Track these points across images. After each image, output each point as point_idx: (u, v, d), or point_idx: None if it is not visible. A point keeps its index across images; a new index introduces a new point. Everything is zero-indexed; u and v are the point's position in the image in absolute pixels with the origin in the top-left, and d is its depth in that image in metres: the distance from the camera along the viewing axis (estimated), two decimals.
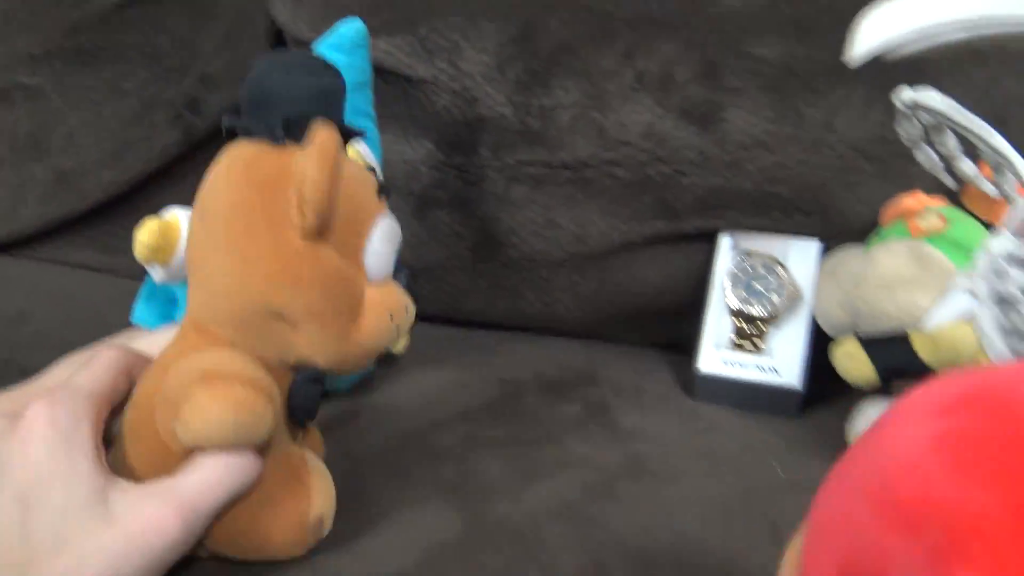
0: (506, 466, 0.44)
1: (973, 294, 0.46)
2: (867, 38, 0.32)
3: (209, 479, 0.29)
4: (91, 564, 0.26)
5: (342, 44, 0.52)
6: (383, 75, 0.63)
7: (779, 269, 0.57)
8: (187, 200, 0.76)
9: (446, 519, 0.39)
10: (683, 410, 0.54)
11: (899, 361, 0.46)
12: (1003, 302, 0.36)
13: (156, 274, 0.48)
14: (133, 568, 0.26)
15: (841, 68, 0.54)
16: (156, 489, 0.28)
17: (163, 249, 0.47)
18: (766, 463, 0.47)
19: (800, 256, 0.57)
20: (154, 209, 0.76)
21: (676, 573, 0.36)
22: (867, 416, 0.48)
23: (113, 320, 0.64)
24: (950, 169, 0.46)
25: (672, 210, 0.59)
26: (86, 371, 0.32)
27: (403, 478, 0.42)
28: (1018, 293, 0.35)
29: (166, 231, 0.47)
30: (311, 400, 0.34)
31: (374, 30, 0.62)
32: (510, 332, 0.66)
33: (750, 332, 0.57)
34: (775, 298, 0.56)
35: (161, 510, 0.27)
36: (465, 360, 0.59)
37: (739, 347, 0.57)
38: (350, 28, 0.53)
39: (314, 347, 0.33)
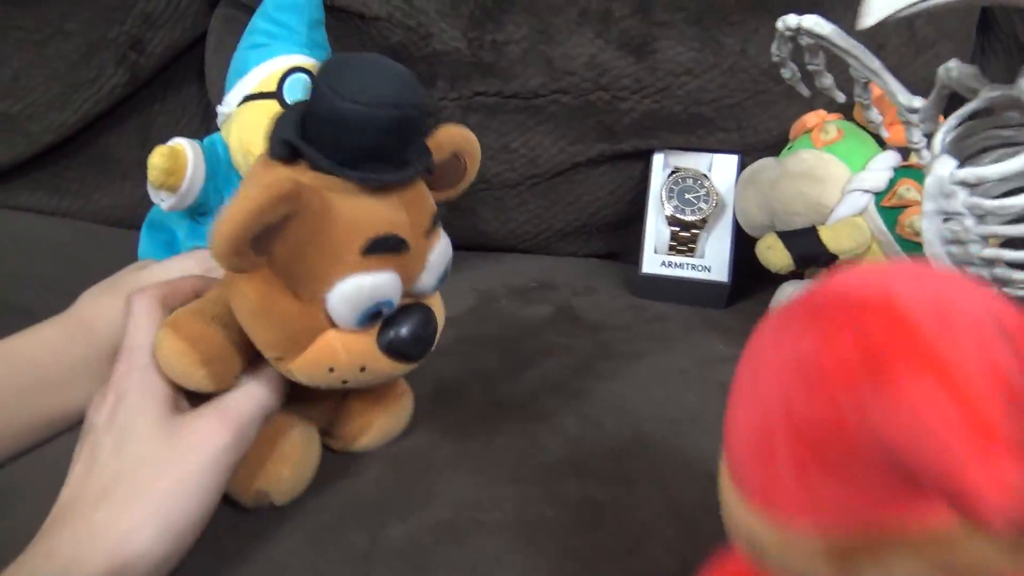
0: (501, 357, 0.52)
1: (864, 191, 0.57)
2: (876, 9, 0.36)
3: (247, 394, 0.35)
4: (167, 471, 0.32)
5: None
6: (336, 13, 0.67)
7: (706, 181, 0.66)
8: (133, 139, 0.78)
9: (462, 402, 0.46)
10: (633, 305, 0.63)
11: (810, 250, 0.56)
12: (947, 217, 0.41)
13: (165, 201, 0.51)
14: (199, 467, 0.32)
15: (752, 2, 0.62)
16: (207, 409, 0.34)
17: (174, 173, 0.50)
18: (707, 341, 0.57)
19: (723, 168, 0.67)
20: (101, 150, 0.78)
21: (655, 424, 0.45)
22: (787, 293, 0.58)
23: (84, 258, 0.67)
24: (811, 84, 0.54)
25: (612, 132, 0.67)
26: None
27: (414, 376, 0.49)
28: (962, 209, 0.40)
29: (176, 155, 0.50)
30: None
31: None
32: (470, 251, 0.73)
33: (684, 237, 0.66)
34: (703, 206, 0.65)
35: (212, 423, 0.34)
36: None
37: (675, 250, 0.66)
38: None
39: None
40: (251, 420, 0.35)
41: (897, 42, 0.64)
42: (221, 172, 0.54)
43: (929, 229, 0.41)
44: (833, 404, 0.18)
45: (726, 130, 0.66)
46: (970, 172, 0.38)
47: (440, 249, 0.36)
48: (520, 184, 0.69)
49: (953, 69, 0.42)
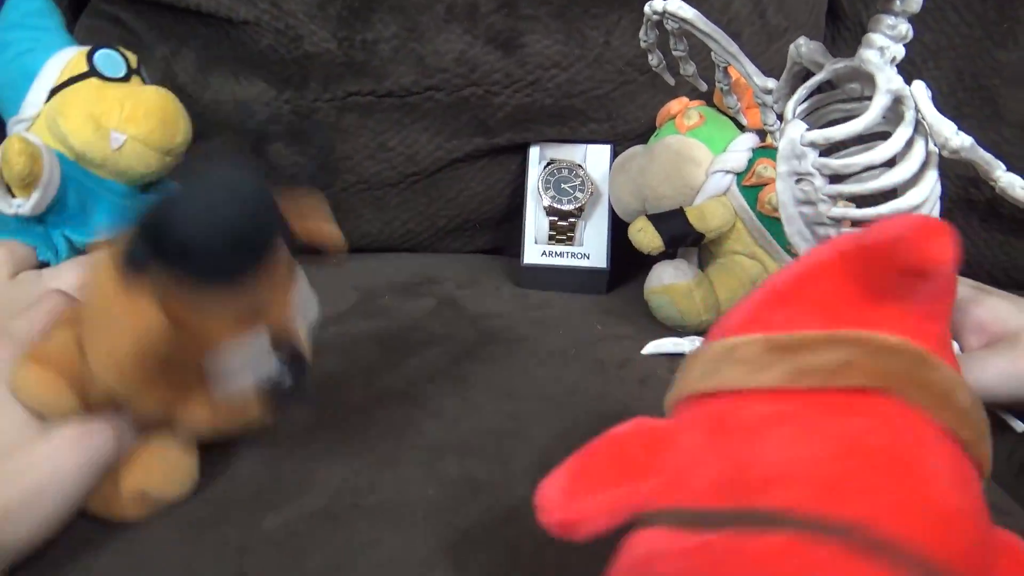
0: (380, 349, 0.52)
1: (725, 172, 0.60)
2: None
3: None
4: (37, 464, 0.31)
5: None
6: (204, 19, 0.66)
7: (580, 171, 0.68)
8: None
9: (341, 393, 0.46)
10: (515, 295, 0.64)
11: (679, 230, 0.59)
12: (799, 178, 0.43)
13: (23, 205, 0.48)
14: (42, 488, 0.31)
15: None
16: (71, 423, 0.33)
17: (37, 159, 0.48)
18: (587, 324, 0.58)
19: (596, 158, 0.69)
20: None
21: (538, 402, 0.46)
22: (659, 274, 0.59)
23: None
24: (676, 72, 0.57)
25: (487, 127, 0.68)
26: (25, 319, 0.36)
27: None
28: (812, 169, 0.42)
29: (29, 143, 0.48)
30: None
31: None
32: (354, 252, 0.73)
33: (562, 226, 0.67)
34: (579, 195, 0.67)
35: (67, 432, 0.32)
36: (319, 277, 0.65)
37: (555, 240, 0.67)
38: None
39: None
40: (107, 436, 0.34)
41: (751, 31, 0.67)
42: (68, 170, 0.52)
43: (784, 191, 0.44)
44: None
45: (597, 120, 0.68)
46: (818, 133, 0.41)
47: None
48: (400, 183, 0.70)
49: (802, 45, 0.45)
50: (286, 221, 0.33)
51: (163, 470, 0.36)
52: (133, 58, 0.59)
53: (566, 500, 0.26)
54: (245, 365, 0.33)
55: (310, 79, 0.66)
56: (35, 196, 0.48)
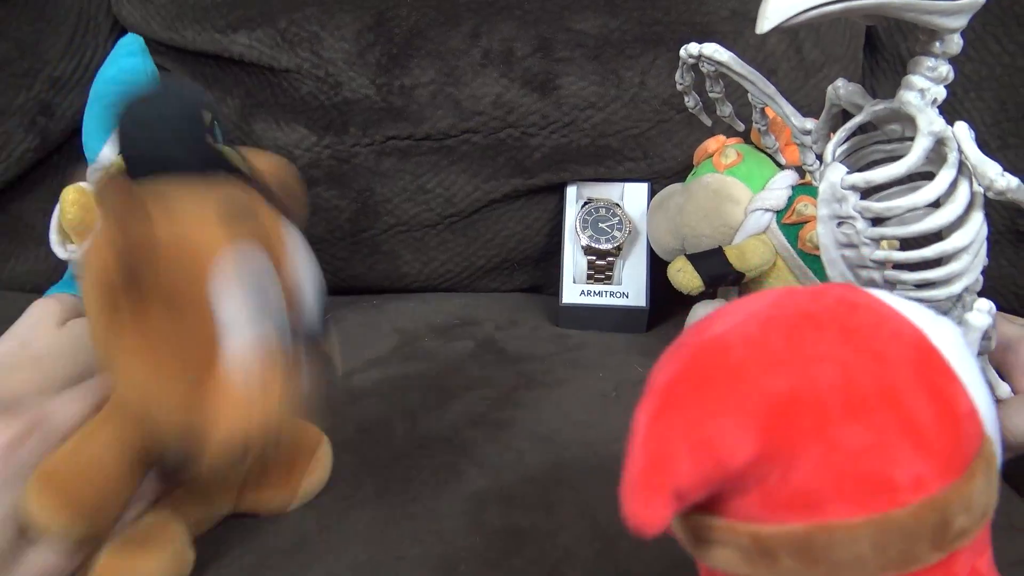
0: (422, 393, 0.52)
1: (765, 210, 0.59)
2: (772, 14, 0.37)
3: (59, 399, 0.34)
4: None
5: (133, 50, 0.56)
6: (247, 68, 0.68)
7: (618, 209, 0.68)
8: (46, 205, 0.77)
9: (384, 440, 0.46)
10: (554, 335, 0.64)
11: (718, 270, 0.58)
12: (840, 222, 0.42)
13: (78, 252, 0.50)
14: None
15: (647, 36, 0.65)
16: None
17: (90, 210, 0.48)
18: (627, 365, 0.58)
19: (633, 196, 0.69)
20: (14, 216, 0.77)
21: (576, 448, 0.46)
22: (698, 315, 0.59)
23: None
24: (712, 113, 0.57)
25: (524, 168, 0.68)
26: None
27: (335, 417, 0.49)
28: (853, 212, 0.41)
29: (86, 192, 0.49)
30: None
31: (233, 26, 0.67)
32: (392, 293, 0.73)
33: (601, 266, 0.67)
34: (617, 234, 0.67)
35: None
36: (360, 320, 0.66)
37: (593, 279, 0.67)
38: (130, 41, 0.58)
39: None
40: (55, 426, 0.33)
41: (787, 67, 0.67)
42: None
43: (824, 234, 0.43)
44: None
45: (633, 159, 0.68)
46: (859, 177, 0.41)
47: None
48: (439, 224, 0.70)
49: (840, 87, 0.45)
50: (249, 165, 0.35)
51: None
52: (209, 117, 0.58)
53: None
54: (249, 300, 0.30)
55: (350, 124, 0.67)
56: (86, 244, 0.50)
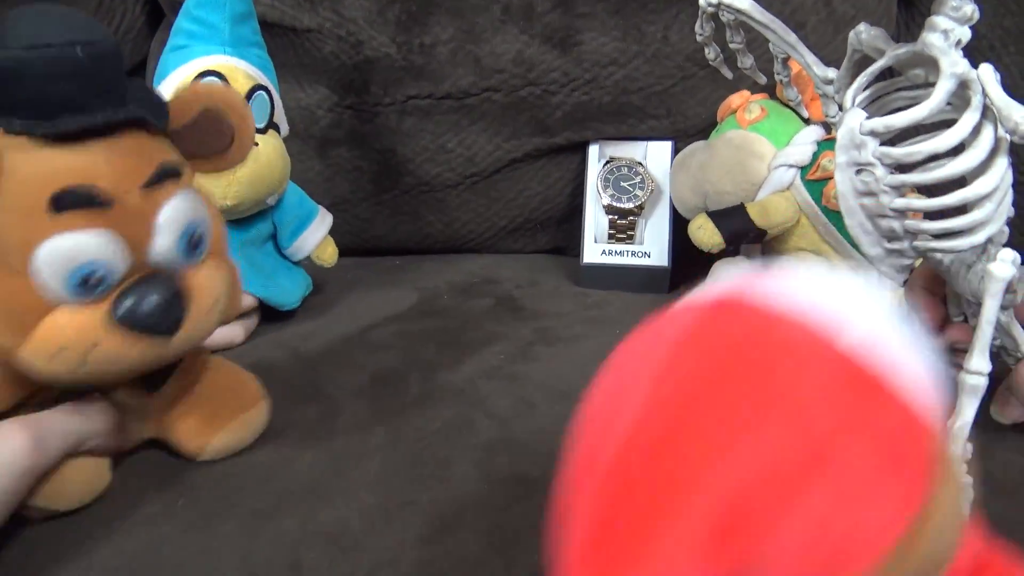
0: (439, 347, 0.52)
1: (789, 166, 0.58)
2: None
3: (54, 412, 0.35)
4: None
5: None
6: (270, 28, 0.68)
7: (640, 168, 0.67)
8: None
9: (398, 390, 0.47)
10: (574, 294, 0.64)
11: (739, 227, 0.58)
12: (859, 169, 0.41)
13: None
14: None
15: None
16: (20, 418, 0.34)
17: None
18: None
19: (656, 155, 0.68)
20: None
21: None
22: (721, 273, 0.59)
23: None
24: (734, 65, 0.55)
25: (546, 127, 0.68)
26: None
27: (351, 368, 0.50)
28: (872, 159, 0.40)
29: None
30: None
31: None
32: (414, 254, 0.74)
33: (622, 225, 0.67)
34: (639, 193, 0.66)
35: (11, 426, 0.33)
36: (382, 279, 0.66)
37: (615, 238, 0.67)
38: None
39: None
40: (52, 433, 0.34)
41: (816, 20, 0.65)
42: None
43: (842, 182, 0.42)
44: None
45: (657, 117, 0.67)
46: (879, 121, 0.39)
47: (174, 207, 0.33)
48: (460, 184, 0.70)
49: (863, 32, 0.43)
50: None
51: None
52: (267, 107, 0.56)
53: None
54: (72, 261, 0.30)
55: (371, 84, 0.67)
56: None
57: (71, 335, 0.31)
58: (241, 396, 0.42)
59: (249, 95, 0.54)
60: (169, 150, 0.34)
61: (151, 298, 0.31)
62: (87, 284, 0.31)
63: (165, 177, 0.33)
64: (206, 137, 0.35)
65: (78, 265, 0.30)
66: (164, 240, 0.33)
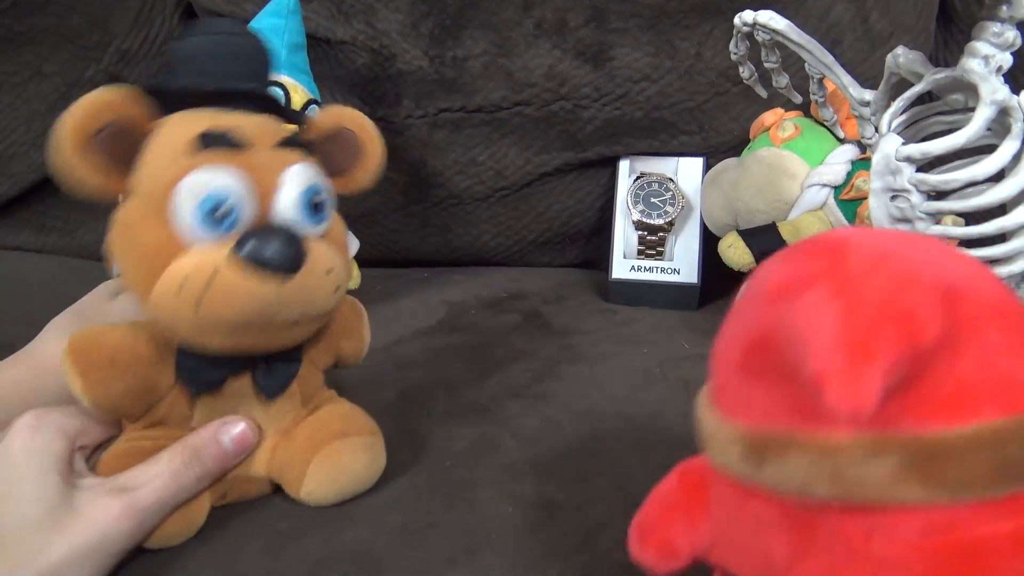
0: (466, 365, 0.52)
1: (822, 186, 0.57)
2: None
3: (153, 486, 0.34)
4: (61, 541, 0.31)
5: (279, 9, 0.57)
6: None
7: (671, 184, 0.67)
8: None
9: (424, 407, 0.47)
10: (602, 310, 0.64)
11: (770, 246, 0.57)
12: (894, 195, 0.41)
13: None
14: (96, 545, 0.32)
15: (704, 5, 0.63)
16: (109, 488, 0.33)
17: None
18: (674, 342, 0.57)
19: (689, 171, 0.67)
20: None
21: (615, 422, 0.45)
22: None
23: (71, 294, 0.68)
24: (769, 84, 0.55)
25: (576, 141, 0.68)
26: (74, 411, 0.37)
27: (378, 384, 0.50)
28: (908, 185, 0.40)
29: None
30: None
31: None
32: (442, 267, 0.74)
33: (652, 241, 0.66)
34: (669, 209, 0.66)
35: (114, 508, 0.33)
36: (410, 291, 0.67)
37: (644, 254, 0.66)
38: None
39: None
40: (153, 513, 0.34)
41: (852, 37, 0.65)
42: None
43: (877, 207, 0.42)
44: (767, 316, 0.21)
45: (689, 133, 0.67)
46: (915, 148, 0.39)
47: (299, 171, 0.35)
48: (489, 197, 0.70)
49: (900, 55, 0.43)
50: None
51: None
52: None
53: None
54: (205, 189, 0.33)
55: (403, 96, 0.67)
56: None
57: (195, 263, 0.32)
58: (344, 426, 0.40)
59: (303, 108, 0.57)
60: (289, 128, 0.38)
61: (273, 240, 0.33)
62: (215, 215, 0.33)
63: (294, 144, 0.36)
64: (342, 153, 0.39)
65: (209, 193, 0.32)
66: (288, 193, 0.35)
